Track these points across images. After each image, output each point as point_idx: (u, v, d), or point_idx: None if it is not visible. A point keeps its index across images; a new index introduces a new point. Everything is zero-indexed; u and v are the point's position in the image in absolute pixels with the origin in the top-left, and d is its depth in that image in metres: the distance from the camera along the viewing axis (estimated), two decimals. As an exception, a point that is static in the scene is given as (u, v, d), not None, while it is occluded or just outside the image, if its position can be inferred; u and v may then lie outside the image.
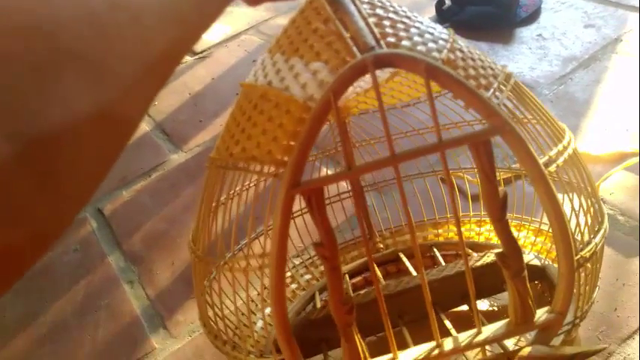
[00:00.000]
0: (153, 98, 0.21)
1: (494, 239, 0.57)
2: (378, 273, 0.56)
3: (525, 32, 0.96)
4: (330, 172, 0.73)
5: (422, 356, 0.35)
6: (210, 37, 1.17)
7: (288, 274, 0.61)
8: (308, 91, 0.31)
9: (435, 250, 0.57)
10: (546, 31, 0.95)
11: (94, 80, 0.17)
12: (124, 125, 0.19)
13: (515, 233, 0.55)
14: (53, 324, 0.64)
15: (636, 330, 0.50)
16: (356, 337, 0.34)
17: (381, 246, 0.63)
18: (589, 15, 0.97)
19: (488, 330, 0.36)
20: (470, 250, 0.55)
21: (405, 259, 0.56)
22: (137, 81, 0.19)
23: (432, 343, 0.36)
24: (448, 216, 0.61)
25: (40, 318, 0.65)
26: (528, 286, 0.35)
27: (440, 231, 0.61)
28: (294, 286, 0.60)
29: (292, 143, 0.31)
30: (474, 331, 0.36)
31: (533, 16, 0.99)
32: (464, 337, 0.36)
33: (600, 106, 0.78)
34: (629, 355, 0.49)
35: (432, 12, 1.05)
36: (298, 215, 0.59)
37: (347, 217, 0.67)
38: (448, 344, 0.35)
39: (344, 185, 0.66)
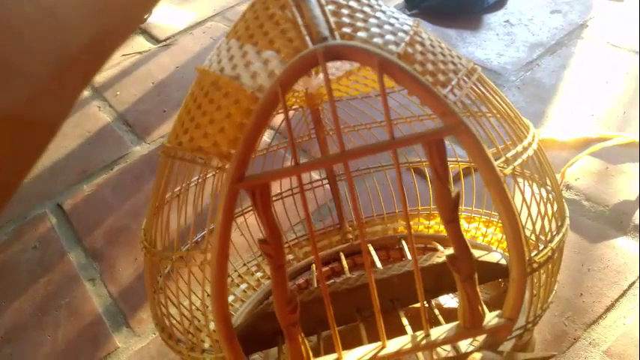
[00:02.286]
0: (77, 95, 0.19)
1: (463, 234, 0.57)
2: (345, 265, 0.55)
3: (493, 18, 0.96)
4: (302, 162, 0.72)
5: (366, 357, 0.34)
6: (175, 24, 1.14)
7: (254, 262, 0.60)
8: (258, 80, 0.30)
9: (404, 242, 0.56)
10: (513, 17, 0.95)
11: None
12: (38, 128, 0.17)
13: (483, 229, 0.55)
14: (11, 325, 0.62)
15: (601, 315, 0.51)
16: (299, 337, 0.33)
17: (351, 236, 0.62)
18: (555, 0, 0.97)
19: (437, 332, 0.35)
20: (437, 244, 0.54)
21: (372, 251, 0.55)
22: (53, 79, 0.17)
23: (378, 344, 0.35)
24: (419, 208, 0.60)
25: (-4, 319, 0.63)
26: (478, 290, 0.34)
27: (410, 223, 0.60)
28: (259, 274, 0.59)
29: (239, 136, 0.29)
30: (421, 332, 0.35)
31: (500, 2, 0.99)
32: (411, 338, 0.35)
33: (566, 92, 0.78)
34: (594, 339, 0.49)
35: (401, -2, 1.04)
36: (277, 200, 0.59)
37: (318, 205, 0.66)
38: (394, 345, 0.35)
39: (314, 174, 0.65)
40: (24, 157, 0.17)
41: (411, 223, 0.60)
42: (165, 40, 1.10)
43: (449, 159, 0.56)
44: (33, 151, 0.17)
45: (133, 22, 0.21)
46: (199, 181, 0.41)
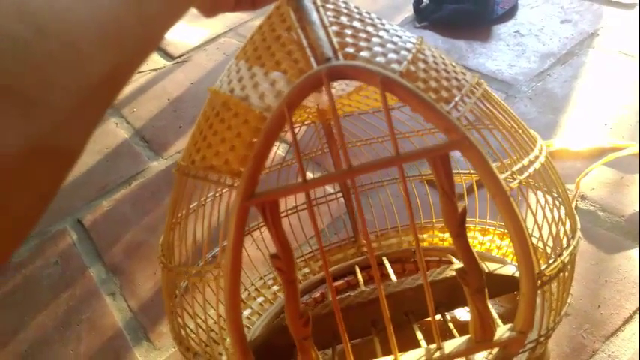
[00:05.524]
0: (96, 124, 0.20)
1: (477, 246, 0.57)
2: (360, 278, 0.56)
3: (503, 29, 0.96)
4: (315, 176, 0.73)
5: None
6: (189, 41, 1.16)
7: (270, 275, 0.61)
8: (265, 101, 0.31)
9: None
10: (523, 28, 0.96)
11: (22, 114, 0.16)
12: (61, 157, 0.18)
13: (497, 242, 0.55)
14: (34, 340, 0.63)
15: (620, 327, 0.51)
16: (312, 351, 0.34)
17: (366, 249, 0.62)
18: (565, 10, 0.98)
19: (449, 345, 0.35)
20: (452, 257, 0.55)
21: (387, 264, 0.56)
22: (74, 109, 0.18)
23: (390, 357, 0.35)
24: (434, 221, 0.60)
25: (20, 334, 0.64)
26: (488, 303, 0.34)
27: (425, 236, 0.60)
28: (275, 287, 0.60)
29: (249, 154, 0.30)
30: (434, 346, 0.36)
31: (510, 13, 0.99)
32: (424, 351, 0.36)
33: (579, 102, 0.78)
34: (613, 352, 0.49)
35: (411, 11, 1.05)
36: (293, 213, 0.61)
37: (333, 218, 0.67)
38: (406, 358, 0.35)
39: (329, 188, 0.66)
40: (50, 187, 0.18)
41: (426, 235, 0.60)
42: (179, 56, 1.12)
43: (462, 171, 0.57)
44: (56, 181, 0.19)
45: (147, 51, 0.22)
46: (215, 196, 0.42)
